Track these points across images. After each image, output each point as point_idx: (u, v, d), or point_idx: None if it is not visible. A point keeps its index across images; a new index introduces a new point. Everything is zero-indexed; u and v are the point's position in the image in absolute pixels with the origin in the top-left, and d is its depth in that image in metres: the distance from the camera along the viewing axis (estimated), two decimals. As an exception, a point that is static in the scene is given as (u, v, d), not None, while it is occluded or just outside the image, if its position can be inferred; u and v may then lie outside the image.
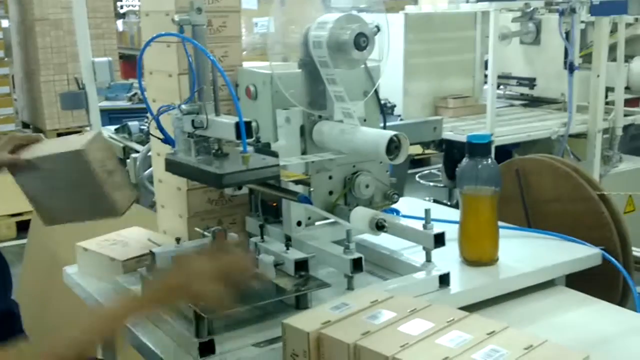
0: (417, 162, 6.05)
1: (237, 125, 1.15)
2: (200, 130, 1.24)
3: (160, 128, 1.36)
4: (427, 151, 4.95)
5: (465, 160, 1.57)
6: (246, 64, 1.66)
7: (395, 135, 1.34)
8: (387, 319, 1.09)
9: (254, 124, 1.31)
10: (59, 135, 7.99)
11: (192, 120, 1.25)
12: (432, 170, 6.11)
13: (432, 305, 1.15)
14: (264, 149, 1.34)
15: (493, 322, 1.08)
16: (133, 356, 1.38)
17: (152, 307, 1.16)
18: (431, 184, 5.67)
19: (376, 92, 1.58)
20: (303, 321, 1.09)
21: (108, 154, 1.29)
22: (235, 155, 1.23)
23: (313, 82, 1.46)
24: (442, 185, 4.97)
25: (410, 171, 5.43)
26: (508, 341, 1.01)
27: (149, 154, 2.73)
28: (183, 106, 1.25)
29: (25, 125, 8.80)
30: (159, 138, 1.39)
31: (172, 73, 1.56)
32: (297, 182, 1.30)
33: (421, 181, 5.80)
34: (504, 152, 3.41)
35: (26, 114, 8.70)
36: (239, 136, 1.15)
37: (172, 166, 1.28)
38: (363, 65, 1.51)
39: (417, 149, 4.57)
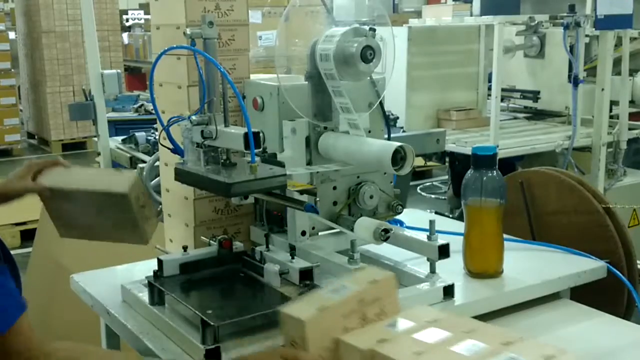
0: (418, 174, 6.07)
1: (246, 135, 1.17)
2: (209, 141, 1.26)
3: (170, 138, 1.38)
4: (429, 163, 4.97)
5: (470, 172, 1.58)
6: (252, 76, 1.68)
7: (401, 147, 1.35)
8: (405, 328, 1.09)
9: (261, 135, 1.33)
10: (64, 146, 8.07)
11: (202, 131, 1.27)
12: (434, 183, 6.13)
13: (448, 315, 1.15)
14: (271, 159, 1.36)
15: (510, 332, 1.07)
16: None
17: None
18: (432, 196, 5.68)
19: (381, 103, 1.59)
20: (299, 309, 1.08)
21: (142, 189, 1.32)
22: (243, 165, 1.25)
23: (319, 94, 1.48)
24: (443, 197, 4.98)
25: (411, 183, 5.44)
26: (527, 351, 1.00)
27: (156, 164, 2.76)
28: (193, 117, 1.27)
29: (31, 136, 8.86)
30: (168, 148, 1.41)
31: (182, 85, 1.58)
32: (303, 191, 1.31)
33: (423, 193, 5.81)
34: (508, 164, 3.42)
35: (32, 124, 8.76)
36: (247, 146, 1.16)
37: (182, 175, 1.30)
38: (368, 78, 1.53)
39: (419, 161, 4.59)
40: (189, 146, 1.29)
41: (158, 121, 1.42)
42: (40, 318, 2.72)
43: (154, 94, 1.41)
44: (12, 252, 1.22)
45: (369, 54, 1.36)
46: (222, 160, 1.27)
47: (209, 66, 1.27)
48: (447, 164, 3.99)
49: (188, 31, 1.27)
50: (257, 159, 1.24)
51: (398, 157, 1.36)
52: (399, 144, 1.36)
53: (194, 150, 1.28)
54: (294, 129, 1.49)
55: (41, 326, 2.62)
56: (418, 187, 5.92)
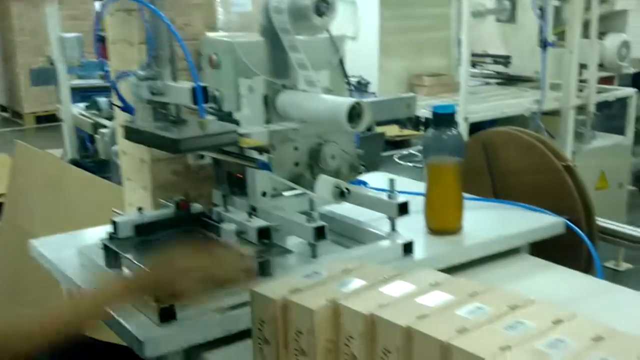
0: (396, 143, 6.06)
1: (194, 90, 1.14)
2: (157, 97, 1.23)
3: (119, 95, 1.34)
4: (405, 132, 4.97)
5: (430, 131, 1.57)
6: (210, 34, 1.64)
7: (357, 103, 1.34)
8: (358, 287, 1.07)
9: (217, 93, 1.30)
10: (38, 118, 7.89)
11: (150, 87, 1.24)
12: (411, 151, 6.13)
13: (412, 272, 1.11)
14: (226, 117, 1.33)
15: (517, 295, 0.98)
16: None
17: (134, 297, 1.17)
18: (410, 164, 5.69)
19: (342, 62, 1.57)
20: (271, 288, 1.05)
21: None
22: (194, 121, 1.22)
23: (276, 51, 1.44)
24: (421, 166, 4.98)
25: (389, 152, 5.44)
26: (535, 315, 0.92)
27: (119, 130, 2.71)
28: (140, 72, 1.24)
29: (3, 109, 8.66)
30: (118, 106, 1.38)
31: (133, 42, 1.53)
32: (255, 148, 1.29)
33: (400, 162, 5.81)
34: (480, 130, 3.42)
35: (4, 97, 8.56)
36: (195, 101, 1.14)
37: (131, 133, 1.27)
38: (328, 35, 1.50)
39: (394, 130, 4.58)
40: (138, 103, 1.26)
41: (106, 79, 1.39)
42: (10, 288, 2.70)
43: (98, 48, 1.37)
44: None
45: (323, 6, 1.33)
46: (172, 117, 1.24)
47: (155, 19, 1.24)
48: (422, 131, 3.99)
49: (134, -18, 1.23)
50: (212, 118, 1.21)
51: (354, 114, 1.35)
52: (354, 99, 1.34)
53: (143, 107, 1.25)
54: (251, 87, 1.46)
55: (10, 296, 2.59)
56: (396, 156, 5.92)
